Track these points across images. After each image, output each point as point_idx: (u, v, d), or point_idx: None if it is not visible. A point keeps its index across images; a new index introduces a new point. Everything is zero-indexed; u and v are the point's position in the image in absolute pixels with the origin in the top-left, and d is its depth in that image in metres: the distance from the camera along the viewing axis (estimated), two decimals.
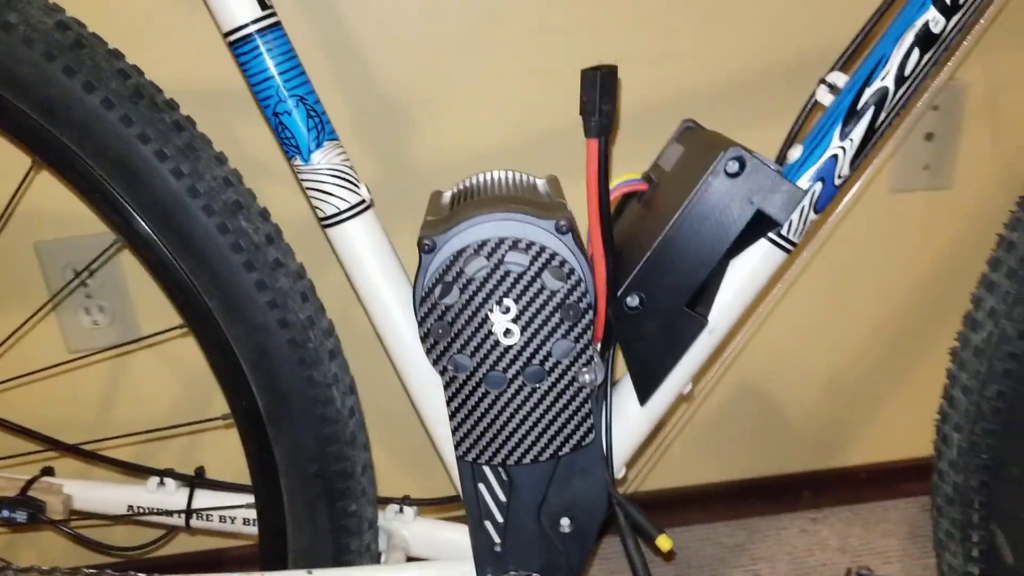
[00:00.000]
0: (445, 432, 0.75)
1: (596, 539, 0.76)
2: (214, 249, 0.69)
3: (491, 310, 0.64)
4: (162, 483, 0.86)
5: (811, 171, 0.68)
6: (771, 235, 0.69)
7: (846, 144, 0.67)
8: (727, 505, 1.44)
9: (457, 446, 0.69)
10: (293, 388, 0.73)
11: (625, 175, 0.76)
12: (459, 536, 0.81)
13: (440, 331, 0.65)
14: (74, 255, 1.17)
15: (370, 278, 0.72)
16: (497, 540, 0.74)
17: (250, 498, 0.85)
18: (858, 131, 0.67)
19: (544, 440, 0.69)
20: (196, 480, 0.85)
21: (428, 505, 0.84)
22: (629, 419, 0.73)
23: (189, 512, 0.84)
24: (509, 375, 0.66)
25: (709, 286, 0.69)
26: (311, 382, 0.73)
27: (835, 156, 0.68)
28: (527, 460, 0.69)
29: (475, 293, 0.64)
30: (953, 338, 0.81)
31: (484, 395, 0.67)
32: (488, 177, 0.77)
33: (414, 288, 0.67)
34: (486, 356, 0.66)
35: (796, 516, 1.45)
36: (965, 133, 1.20)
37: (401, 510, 0.83)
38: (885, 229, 1.25)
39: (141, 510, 0.85)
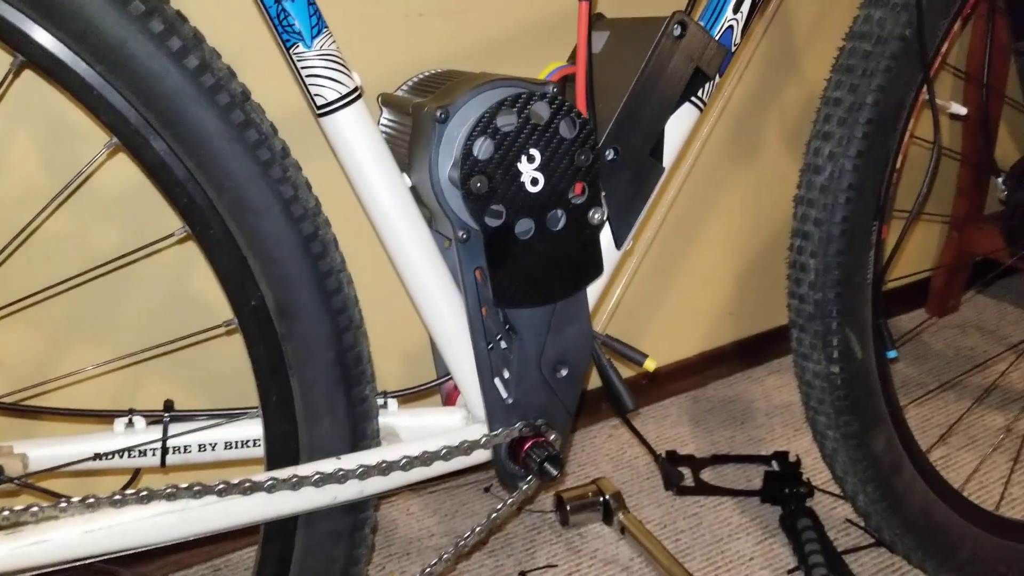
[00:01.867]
0: (437, 315, 0.81)
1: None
2: (227, 142, 0.70)
3: (519, 160, 0.73)
4: (130, 423, 0.81)
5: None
6: (692, 98, 0.85)
7: (738, 16, 0.85)
8: None
9: (495, 294, 0.76)
10: (307, 279, 0.75)
11: (554, 63, 0.87)
12: (444, 418, 0.86)
13: (479, 184, 0.72)
14: None
15: (365, 166, 0.76)
16: (506, 394, 0.82)
17: (224, 423, 0.84)
18: (745, 5, 0.85)
19: (566, 278, 0.78)
20: (169, 413, 0.82)
21: (407, 394, 0.88)
22: (605, 264, 0.84)
23: (165, 448, 0.81)
24: (536, 221, 0.75)
25: (658, 141, 0.83)
26: (323, 272, 0.75)
27: (731, 27, 0.85)
28: (552, 299, 0.78)
29: (507, 145, 0.72)
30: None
31: (514, 243, 0.75)
32: (439, 70, 0.84)
33: (429, 158, 0.73)
34: (516, 205, 0.74)
35: (601, 425, 1.63)
36: None
37: (385, 403, 0.86)
38: None
39: (110, 456, 0.79)
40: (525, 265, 0.76)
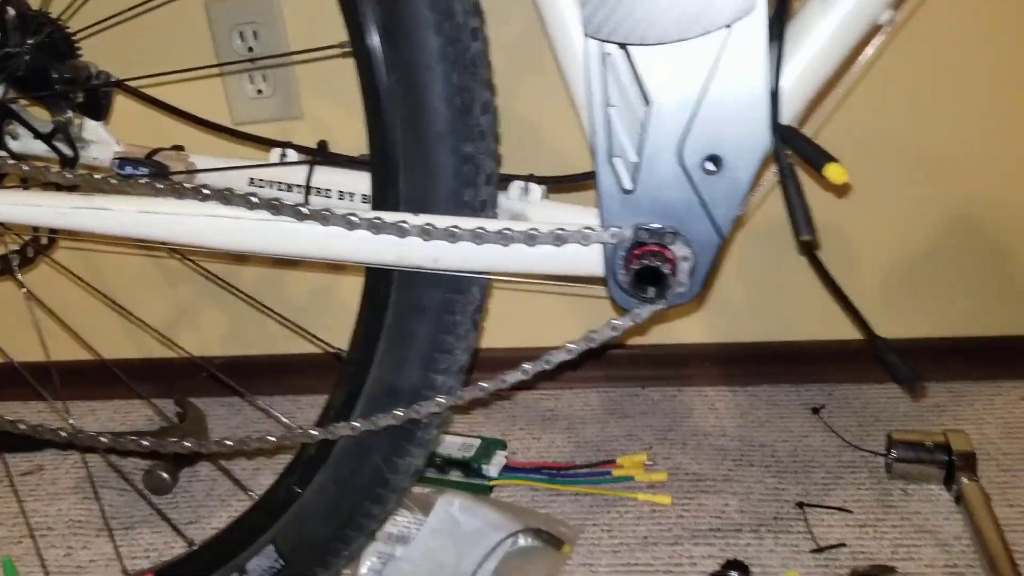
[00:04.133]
0: (565, 58, 0.64)
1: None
2: None
3: None
4: (284, 155, 0.80)
5: None
6: None
7: None
8: (929, 366, 1.24)
9: (587, 22, 0.57)
10: None
11: None
12: (592, 220, 0.70)
13: None
14: (241, 16, 1.16)
15: None
16: (629, 183, 0.63)
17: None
18: None
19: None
20: (318, 152, 0.79)
21: (556, 184, 0.73)
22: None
23: (308, 187, 0.78)
24: None
25: None
26: None
27: None
28: (671, 36, 0.57)
29: None
30: None
31: None
32: None
33: None
34: None
35: (1015, 384, 1.23)
36: None
37: (526, 188, 0.73)
38: None
39: (262, 183, 0.79)
40: None
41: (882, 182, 1.14)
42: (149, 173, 0.78)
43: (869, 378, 1.25)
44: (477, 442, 1.12)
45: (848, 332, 1.25)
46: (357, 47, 0.67)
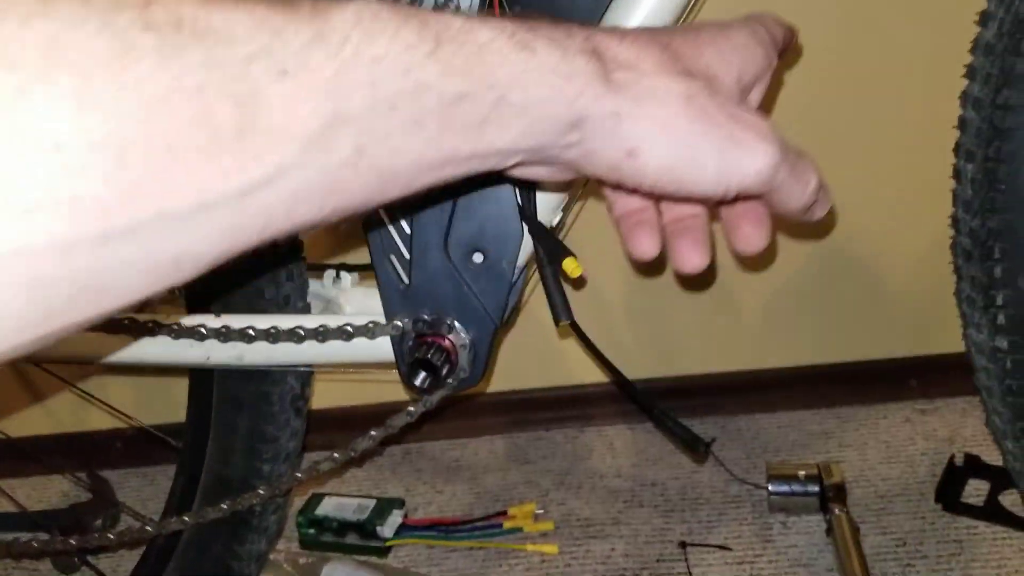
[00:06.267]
0: None
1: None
2: None
3: None
4: None
5: None
6: None
7: None
8: (817, 392, 1.27)
9: None
10: None
11: None
12: None
13: None
14: None
15: None
16: (405, 277, 0.66)
17: None
18: None
19: None
20: None
21: (366, 270, 0.77)
22: None
23: None
24: None
25: None
26: None
27: None
28: None
29: None
30: None
31: None
32: None
33: None
34: None
35: (901, 406, 1.26)
36: None
37: (338, 275, 0.76)
38: None
39: None
40: None
41: None
42: None
43: (760, 408, 1.28)
44: (372, 503, 1.14)
45: (737, 363, 1.28)
46: None
